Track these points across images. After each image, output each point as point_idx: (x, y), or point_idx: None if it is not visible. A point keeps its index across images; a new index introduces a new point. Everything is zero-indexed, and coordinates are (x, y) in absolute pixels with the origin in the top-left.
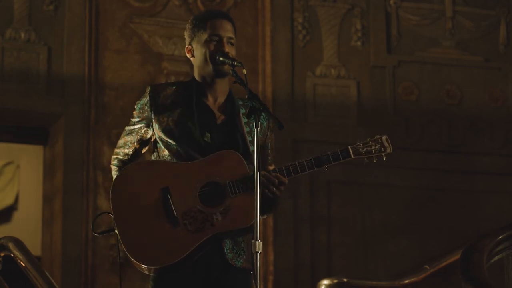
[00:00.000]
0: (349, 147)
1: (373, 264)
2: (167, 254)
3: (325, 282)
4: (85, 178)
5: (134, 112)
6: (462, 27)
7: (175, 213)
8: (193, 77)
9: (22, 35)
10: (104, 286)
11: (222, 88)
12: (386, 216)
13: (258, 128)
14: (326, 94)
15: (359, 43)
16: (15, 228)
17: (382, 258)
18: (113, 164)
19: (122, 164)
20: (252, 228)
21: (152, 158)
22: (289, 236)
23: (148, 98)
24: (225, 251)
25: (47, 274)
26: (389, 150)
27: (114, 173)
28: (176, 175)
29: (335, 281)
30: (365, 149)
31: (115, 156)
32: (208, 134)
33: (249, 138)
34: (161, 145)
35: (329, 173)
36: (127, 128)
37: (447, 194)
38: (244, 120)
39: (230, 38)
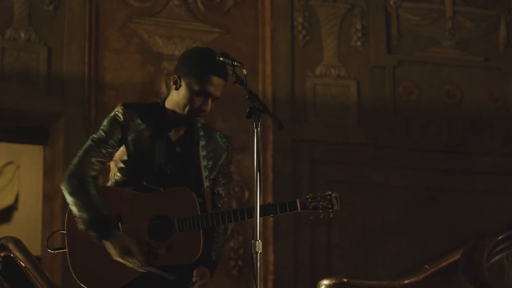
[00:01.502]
0: (298, 200)
1: (373, 264)
2: (107, 280)
3: (325, 282)
4: None
5: (103, 127)
6: (462, 27)
7: None
8: (163, 105)
9: (22, 35)
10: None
11: (187, 124)
12: (386, 216)
13: (259, 128)
14: (326, 94)
15: (359, 43)
16: (15, 228)
17: (382, 258)
18: (82, 182)
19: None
20: (195, 264)
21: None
22: (289, 236)
23: (122, 119)
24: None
25: (47, 274)
26: (336, 208)
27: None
28: (130, 204)
29: (335, 281)
30: (312, 204)
31: (85, 169)
32: (165, 167)
33: (205, 173)
34: (117, 166)
35: (329, 173)
36: (93, 140)
37: (447, 194)
38: (203, 153)
39: (217, 97)
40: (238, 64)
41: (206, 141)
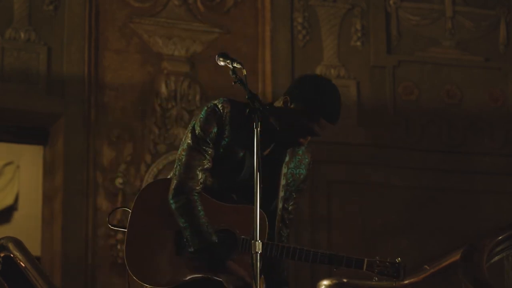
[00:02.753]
0: (365, 260)
1: None
2: (159, 277)
3: (325, 282)
4: (85, 178)
5: (200, 122)
6: (462, 27)
7: (182, 240)
8: (267, 120)
9: (22, 35)
10: (104, 286)
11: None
12: (386, 216)
13: (259, 128)
14: None
15: (359, 43)
16: (15, 228)
17: None
18: (190, 199)
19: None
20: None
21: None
22: (289, 236)
23: (222, 114)
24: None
25: (47, 274)
26: (401, 279)
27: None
28: (231, 216)
29: (335, 281)
30: (379, 268)
31: (190, 183)
32: (248, 182)
33: (281, 193)
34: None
35: (329, 173)
36: (192, 145)
37: (447, 194)
38: (284, 170)
39: (318, 136)
40: (238, 64)
41: (290, 156)
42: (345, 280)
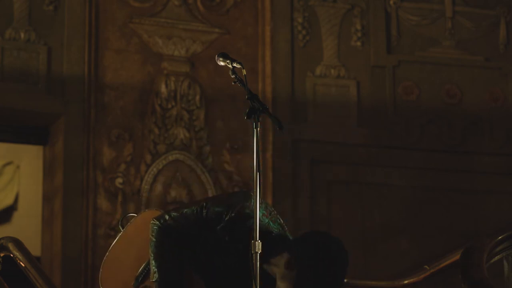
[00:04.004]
0: None
1: (373, 264)
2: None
3: None
4: (85, 178)
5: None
6: (462, 27)
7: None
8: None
9: (22, 35)
10: None
11: None
12: (386, 216)
13: (259, 128)
14: (326, 94)
15: (359, 43)
16: (15, 228)
17: (382, 258)
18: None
19: None
20: None
21: None
22: None
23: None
24: None
25: (47, 274)
26: None
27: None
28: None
29: None
30: None
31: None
32: None
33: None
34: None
35: (329, 173)
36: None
37: (447, 194)
38: None
39: None
40: (238, 64)
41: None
42: (345, 280)
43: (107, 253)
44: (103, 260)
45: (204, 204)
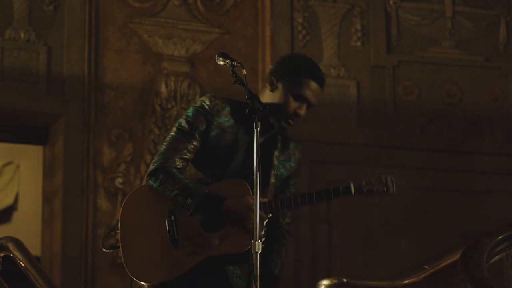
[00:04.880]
0: (352, 184)
1: (373, 264)
2: (162, 273)
3: (325, 282)
4: (85, 178)
5: (188, 118)
6: (462, 27)
7: (175, 235)
8: (252, 106)
9: (22, 35)
10: (104, 286)
11: (272, 132)
12: (386, 216)
13: (259, 129)
14: (326, 94)
15: (359, 43)
16: (15, 228)
17: (382, 258)
18: (170, 171)
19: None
20: (247, 257)
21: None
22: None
23: (209, 109)
24: (227, 274)
25: (47, 274)
26: (391, 190)
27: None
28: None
29: (335, 281)
30: (367, 188)
31: (171, 164)
32: (240, 169)
33: (272, 180)
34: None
35: (329, 173)
36: (178, 132)
37: (447, 194)
38: (275, 162)
39: (313, 105)
40: (238, 64)
41: (280, 151)
42: (345, 280)
43: (121, 254)
44: (124, 262)
45: (177, 124)
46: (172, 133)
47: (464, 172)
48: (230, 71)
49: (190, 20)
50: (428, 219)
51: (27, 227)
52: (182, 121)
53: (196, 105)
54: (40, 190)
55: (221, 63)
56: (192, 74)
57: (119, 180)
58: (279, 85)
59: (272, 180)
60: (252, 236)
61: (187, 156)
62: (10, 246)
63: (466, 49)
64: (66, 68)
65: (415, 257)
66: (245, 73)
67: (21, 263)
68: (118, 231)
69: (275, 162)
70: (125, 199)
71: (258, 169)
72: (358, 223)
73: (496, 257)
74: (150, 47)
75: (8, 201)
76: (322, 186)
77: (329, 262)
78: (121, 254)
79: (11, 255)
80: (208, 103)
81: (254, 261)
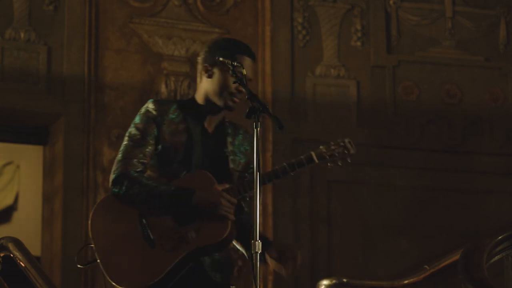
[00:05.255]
0: (312, 153)
1: (373, 264)
2: (146, 275)
3: (325, 282)
4: (85, 178)
5: (137, 125)
6: (462, 27)
7: (150, 236)
8: (194, 100)
9: (22, 35)
10: (104, 286)
11: (221, 116)
12: (386, 216)
13: (259, 128)
14: (326, 94)
15: (359, 43)
16: (15, 228)
17: (382, 258)
18: (133, 176)
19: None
20: (224, 245)
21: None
22: (289, 236)
23: (155, 114)
24: (205, 267)
25: (47, 274)
26: (352, 151)
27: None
28: None
29: (335, 281)
30: (328, 153)
31: (132, 170)
32: (203, 159)
33: (231, 165)
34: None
35: (329, 173)
36: (130, 140)
37: (447, 194)
38: (230, 147)
39: (250, 79)
40: (238, 64)
41: (232, 137)
42: (345, 280)
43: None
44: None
45: (127, 134)
46: (125, 142)
47: (464, 172)
48: (230, 71)
49: (190, 20)
50: (428, 219)
51: (27, 227)
52: (132, 130)
53: (141, 112)
54: (40, 190)
55: None
56: (192, 74)
57: None
58: (215, 70)
59: (231, 165)
60: (229, 224)
61: (144, 161)
62: (10, 246)
63: (466, 49)
64: (66, 68)
65: (415, 257)
66: (245, 73)
67: (21, 263)
68: (92, 245)
69: (230, 148)
70: (91, 213)
71: (258, 169)
72: (358, 223)
73: (496, 257)
74: (150, 47)
75: (8, 201)
76: (322, 186)
77: (329, 262)
78: (101, 266)
79: (11, 255)
80: (152, 107)
81: (254, 261)
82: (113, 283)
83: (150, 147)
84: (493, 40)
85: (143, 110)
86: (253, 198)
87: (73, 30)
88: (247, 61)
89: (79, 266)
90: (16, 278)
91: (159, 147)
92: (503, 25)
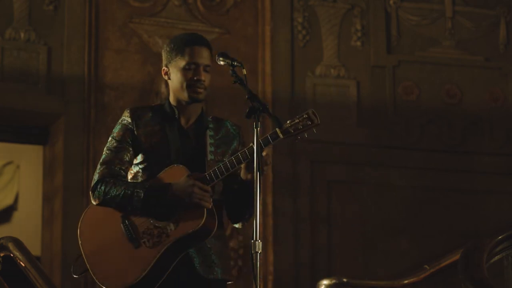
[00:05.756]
0: (277, 129)
1: (373, 264)
2: (131, 274)
3: (325, 282)
4: (85, 178)
5: (115, 135)
6: (462, 27)
7: (133, 235)
8: (168, 101)
9: (22, 35)
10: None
11: (194, 110)
12: (386, 216)
13: (259, 128)
14: (326, 94)
15: (359, 43)
16: (15, 228)
17: (382, 258)
18: (109, 182)
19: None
20: (205, 234)
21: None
22: (289, 236)
23: (130, 121)
24: (195, 265)
25: (47, 274)
26: (316, 121)
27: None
28: None
29: (335, 281)
30: (293, 128)
31: (108, 177)
32: (181, 155)
33: (210, 156)
34: (133, 171)
35: (329, 173)
36: (107, 149)
37: (447, 194)
38: (210, 140)
39: (207, 66)
40: (238, 64)
41: (214, 131)
42: (345, 280)
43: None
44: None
45: (107, 145)
46: (104, 152)
47: (464, 172)
48: (230, 71)
49: (190, 20)
50: (428, 219)
51: (27, 227)
52: (110, 140)
53: (119, 121)
54: (40, 190)
55: (221, 63)
56: None
57: None
58: (170, 69)
59: (211, 156)
60: (205, 212)
61: (122, 166)
62: (10, 246)
63: (466, 49)
64: (66, 68)
65: (415, 257)
66: (245, 73)
67: (21, 263)
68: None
69: (209, 140)
70: (79, 225)
71: (258, 169)
72: (358, 223)
73: (496, 257)
74: (150, 47)
75: (8, 201)
76: (322, 186)
77: (329, 262)
78: (90, 273)
79: (11, 255)
80: (127, 115)
81: (254, 261)
82: (102, 286)
83: (127, 153)
84: (493, 40)
85: (119, 121)
86: (249, 168)
87: (73, 30)
88: (200, 50)
89: (74, 276)
90: (16, 278)
91: (139, 151)
92: (503, 25)
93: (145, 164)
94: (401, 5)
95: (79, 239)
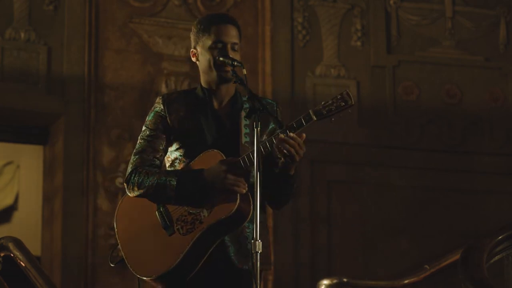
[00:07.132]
0: (311, 111)
1: (373, 264)
2: (166, 261)
3: (325, 282)
4: (85, 178)
5: (148, 123)
6: (462, 27)
7: (167, 222)
8: (200, 85)
9: (22, 35)
10: (104, 286)
11: (227, 91)
12: (386, 216)
13: (259, 128)
14: (326, 94)
15: (359, 43)
16: (15, 228)
17: (382, 258)
18: (142, 172)
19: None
20: (240, 220)
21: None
22: (289, 236)
23: (162, 108)
24: (230, 254)
25: (47, 274)
26: (350, 102)
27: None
28: None
29: (335, 281)
30: (326, 109)
31: (141, 167)
32: (217, 137)
33: (245, 130)
34: (170, 157)
35: (329, 173)
36: (141, 138)
37: (447, 194)
38: (245, 122)
39: (235, 43)
40: (238, 64)
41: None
42: (345, 280)
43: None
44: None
45: (141, 134)
46: (138, 142)
47: (464, 172)
48: (230, 71)
49: (190, 20)
50: (428, 219)
51: (27, 227)
52: (144, 129)
53: (150, 111)
54: (40, 190)
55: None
56: (192, 74)
57: (119, 180)
58: (198, 50)
59: (245, 139)
60: (238, 197)
61: (156, 155)
62: (10, 246)
63: (466, 49)
64: (66, 68)
65: (415, 257)
66: (245, 73)
67: (21, 263)
68: (119, 245)
69: (243, 122)
70: (115, 213)
71: (258, 169)
72: (358, 223)
73: (496, 257)
74: (150, 47)
75: (8, 201)
76: (322, 186)
77: (329, 262)
78: (126, 262)
79: (11, 255)
80: (159, 101)
81: (254, 261)
82: (138, 275)
83: (161, 141)
84: (493, 40)
85: (152, 108)
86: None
87: (73, 30)
88: (227, 28)
89: (111, 265)
90: (16, 278)
91: (173, 137)
92: (503, 25)
93: (180, 150)
94: (401, 5)
95: (115, 228)
